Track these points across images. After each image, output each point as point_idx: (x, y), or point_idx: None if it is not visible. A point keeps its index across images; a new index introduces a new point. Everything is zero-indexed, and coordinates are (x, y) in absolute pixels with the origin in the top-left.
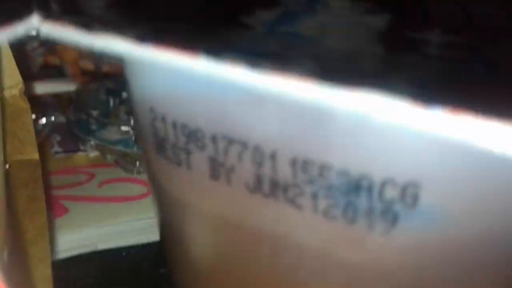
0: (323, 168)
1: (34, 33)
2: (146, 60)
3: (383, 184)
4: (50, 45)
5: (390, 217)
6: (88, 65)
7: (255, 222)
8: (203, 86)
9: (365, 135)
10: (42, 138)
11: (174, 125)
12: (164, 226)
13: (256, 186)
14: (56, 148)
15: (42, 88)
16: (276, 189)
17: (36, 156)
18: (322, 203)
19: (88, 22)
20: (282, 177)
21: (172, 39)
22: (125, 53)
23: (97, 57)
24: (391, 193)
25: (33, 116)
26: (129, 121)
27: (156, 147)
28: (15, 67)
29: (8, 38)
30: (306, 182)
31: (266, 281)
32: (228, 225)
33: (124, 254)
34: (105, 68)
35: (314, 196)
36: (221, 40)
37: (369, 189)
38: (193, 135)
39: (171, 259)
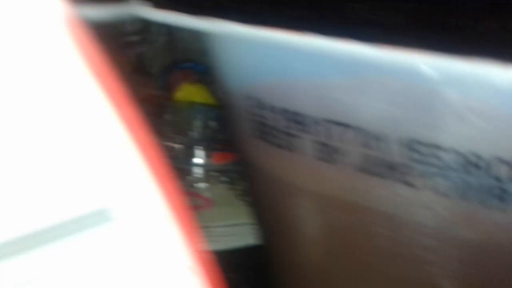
0: (432, 147)
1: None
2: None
3: (491, 161)
4: None
5: (501, 193)
6: None
7: (367, 200)
8: (306, 69)
9: (471, 115)
10: None
11: (273, 109)
12: (262, 209)
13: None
14: None
15: None
16: (385, 168)
17: None
18: (433, 181)
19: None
20: (391, 157)
21: (279, 19)
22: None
23: None
24: (499, 170)
25: None
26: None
27: (254, 132)
28: None
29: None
30: (415, 161)
31: (382, 259)
32: (338, 204)
33: None
34: None
35: (424, 175)
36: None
37: (477, 166)
38: (294, 119)
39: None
